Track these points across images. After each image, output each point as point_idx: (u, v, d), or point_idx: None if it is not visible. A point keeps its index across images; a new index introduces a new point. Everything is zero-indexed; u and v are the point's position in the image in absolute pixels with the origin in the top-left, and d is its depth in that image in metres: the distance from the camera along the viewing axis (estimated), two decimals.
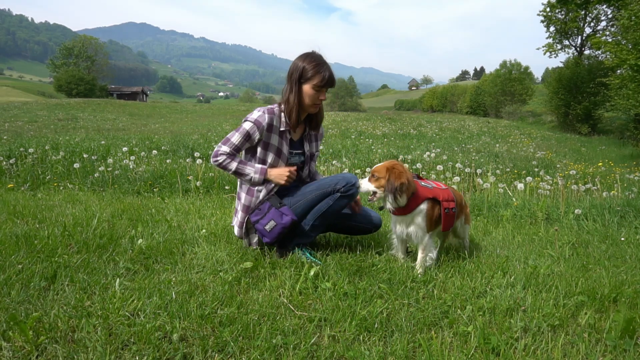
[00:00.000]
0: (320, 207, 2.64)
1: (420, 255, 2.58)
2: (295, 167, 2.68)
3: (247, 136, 2.59)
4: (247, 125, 2.59)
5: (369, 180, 2.54)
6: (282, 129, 2.66)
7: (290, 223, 2.56)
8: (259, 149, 2.64)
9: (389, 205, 2.50)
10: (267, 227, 2.57)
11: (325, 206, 2.63)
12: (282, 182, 2.61)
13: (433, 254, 2.62)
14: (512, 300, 2.10)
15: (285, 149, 2.69)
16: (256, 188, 2.67)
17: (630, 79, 17.25)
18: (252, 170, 2.60)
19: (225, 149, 2.59)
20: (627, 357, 1.67)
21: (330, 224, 2.87)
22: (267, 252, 2.71)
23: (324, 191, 2.63)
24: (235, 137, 2.59)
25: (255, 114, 2.61)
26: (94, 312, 1.79)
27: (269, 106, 2.70)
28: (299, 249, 2.68)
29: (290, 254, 2.64)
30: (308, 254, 2.64)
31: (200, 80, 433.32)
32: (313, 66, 2.57)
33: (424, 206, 2.53)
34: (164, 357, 1.55)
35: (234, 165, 2.59)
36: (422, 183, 2.62)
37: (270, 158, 2.65)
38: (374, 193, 2.54)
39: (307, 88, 2.59)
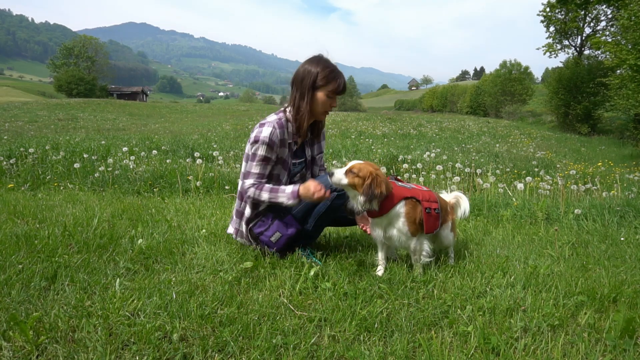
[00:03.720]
0: (320, 209, 2.60)
1: (413, 258, 2.52)
2: (325, 191, 2.40)
3: (267, 160, 2.49)
4: (262, 151, 2.46)
5: (346, 173, 2.32)
6: (289, 140, 2.58)
7: (296, 233, 2.54)
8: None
9: (357, 207, 2.35)
10: (273, 239, 2.53)
11: (323, 207, 2.59)
12: (315, 199, 2.41)
13: (426, 252, 2.49)
14: (512, 300, 2.10)
15: (289, 160, 2.63)
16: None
17: (630, 79, 17.25)
18: (285, 197, 2.43)
19: (249, 181, 2.49)
20: (626, 357, 1.67)
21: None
22: (267, 251, 2.71)
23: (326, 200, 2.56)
24: (255, 167, 2.48)
25: (266, 132, 2.46)
26: (94, 312, 1.79)
27: (276, 118, 2.56)
28: (300, 248, 2.68)
29: (290, 253, 2.64)
30: (309, 253, 2.65)
31: (200, 80, 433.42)
32: (327, 72, 2.48)
33: (402, 209, 2.38)
34: (164, 357, 1.55)
35: (265, 196, 2.45)
36: (399, 183, 2.49)
37: (276, 170, 2.59)
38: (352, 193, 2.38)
39: (320, 95, 2.50)
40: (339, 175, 2.32)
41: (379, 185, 2.28)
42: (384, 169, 6.15)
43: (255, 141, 2.47)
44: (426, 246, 2.50)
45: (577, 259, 3.02)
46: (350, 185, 2.32)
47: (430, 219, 2.45)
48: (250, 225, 2.62)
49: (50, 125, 19.17)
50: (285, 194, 2.43)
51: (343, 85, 2.53)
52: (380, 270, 2.50)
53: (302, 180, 2.78)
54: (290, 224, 2.54)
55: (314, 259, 2.60)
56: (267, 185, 2.49)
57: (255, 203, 2.58)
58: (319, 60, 2.52)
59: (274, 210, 2.59)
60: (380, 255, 2.56)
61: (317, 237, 2.75)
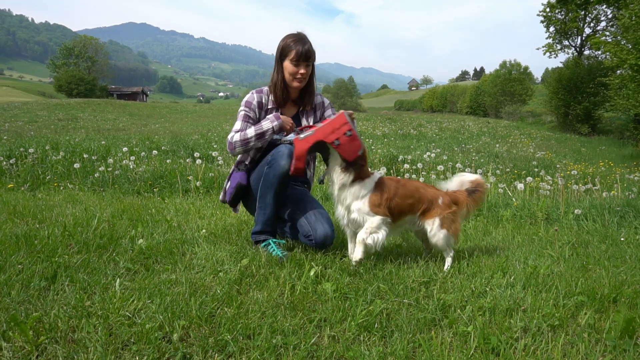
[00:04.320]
0: (260, 186, 2.68)
1: (360, 236, 2.41)
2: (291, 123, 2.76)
3: (247, 117, 2.80)
4: (242, 111, 2.83)
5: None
6: (269, 106, 2.87)
7: (236, 185, 2.82)
8: None
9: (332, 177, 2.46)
10: (228, 187, 2.92)
11: (261, 184, 2.66)
12: (287, 127, 2.72)
13: (380, 238, 2.41)
14: (512, 300, 2.10)
15: None
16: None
17: (630, 79, 17.26)
18: (268, 121, 2.68)
19: (233, 133, 2.76)
20: (626, 357, 1.67)
21: (281, 217, 2.89)
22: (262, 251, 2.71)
23: (261, 165, 2.72)
24: (238, 124, 2.79)
25: (246, 97, 2.88)
26: (94, 312, 1.79)
27: (260, 87, 2.94)
28: (265, 243, 2.69)
29: (262, 246, 2.71)
30: (276, 249, 2.63)
31: (200, 81, 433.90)
32: (290, 42, 2.71)
33: (367, 195, 2.41)
34: (164, 357, 1.55)
35: (251, 131, 2.68)
36: (302, 135, 2.41)
37: None
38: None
39: (286, 64, 2.73)
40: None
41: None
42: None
43: (241, 105, 2.86)
44: (382, 234, 2.42)
45: (577, 259, 3.02)
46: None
47: (344, 146, 2.35)
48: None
49: (50, 126, 19.16)
50: (268, 117, 2.69)
51: (302, 52, 2.67)
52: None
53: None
54: (241, 177, 2.83)
55: (280, 253, 2.58)
56: (250, 125, 2.77)
57: (240, 162, 2.92)
58: (288, 35, 2.77)
59: (239, 165, 2.90)
60: (351, 248, 2.57)
61: (263, 216, 2.69)
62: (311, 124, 2.93)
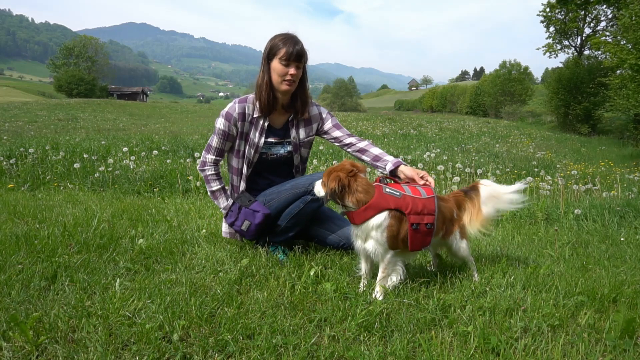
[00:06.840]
0: (292, 210, 2.55)
1: (380, 275, 2.17)
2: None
3: (225, 134, 2.56)
4: (219, 124, 2.55)
5: (322, 184, 2.23)
6: (255, 116, 2.58)
7: (263, 219, 2.51)
8: (237, 141, 2.61)
9: (340, 210, 2.19)
10: (244, 227, 2.55)
11: (296, 209, 2.53)
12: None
13: (398, 276, 2.17)
14: (512, 300, 2.10)
15: (256, 137, 2.59)
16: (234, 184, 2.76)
17: (630, 79, 17.28)
18: (221, 206, 2.67)
19: (210, 157, 2.62)
20: (626, 357, 1.67)
21: (305, 228, 2.73)
22: (262, 251, 2.71)
23: (296, 192, 2.52)
24: (215, 141, 2.59)
25: (227, 107, 2.58)
26: (94, 312, 1.79)
27: (245, 95, 2.65)
28: (272, 247, 2.68)
29: (267, 248, 2.67)
30: (281, 254, 2.63)
31: (201, 81, 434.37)
32: (278, 40, 2.47)
33: (383, 219, 2.06)
34: (164, 357, 1.55)
35: (214, 186, 2.66)
36: (388, 189, 2.12)
37: (243, 146, 2.62)
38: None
39: (274, 64, 2.48)
40: (318, 188, 2.27)
41: (331, 181, 2.08)
42: None
43: (220, 116, 2.58)
44: (400, 268, 2.18)
45: (577, 259, 3.02)
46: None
47: (418, 235, 2.10)
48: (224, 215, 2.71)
49: (50, 126, 19.14)
50: (222, 205, 2.67)
51: (293, 50, 2.43)
52: (362, 286, 2.25)
53: (288, 166, 2.77)
54: (257, 209, 2.52)
55: (280, 256, 2.60)
56: (221, 182, 2.67)
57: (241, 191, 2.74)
58: (276, 35, 2.53)
59: (240, 199, 2.62)
60: (364, 268, 2.29)
61: (286, 238, 2.65)
62: (302, 137, 2.70)
